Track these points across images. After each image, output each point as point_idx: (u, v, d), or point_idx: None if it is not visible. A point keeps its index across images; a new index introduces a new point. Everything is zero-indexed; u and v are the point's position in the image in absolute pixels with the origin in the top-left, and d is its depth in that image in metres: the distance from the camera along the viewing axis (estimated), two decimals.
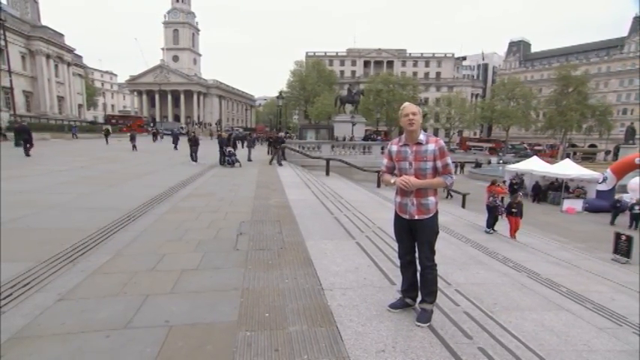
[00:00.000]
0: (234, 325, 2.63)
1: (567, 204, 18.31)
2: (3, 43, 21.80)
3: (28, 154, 14.74)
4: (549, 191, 20.55)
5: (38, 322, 2.59)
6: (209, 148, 19.16)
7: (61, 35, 42.46)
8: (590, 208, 17.98)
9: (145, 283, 3.32)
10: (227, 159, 15.17)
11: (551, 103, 55.52)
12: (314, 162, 18.20)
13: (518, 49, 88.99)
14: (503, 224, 9.66)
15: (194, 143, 16.10)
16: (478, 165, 38.42)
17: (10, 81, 20.65)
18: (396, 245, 5.17)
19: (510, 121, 58.15)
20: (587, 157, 53.24)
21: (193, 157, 15.86)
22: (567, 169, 19.95)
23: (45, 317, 2.66)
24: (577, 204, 18.34)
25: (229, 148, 15.60)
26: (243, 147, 20.23)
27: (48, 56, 39.24)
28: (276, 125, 30.62)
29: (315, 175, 13.90)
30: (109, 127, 32.68)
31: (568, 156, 36.24)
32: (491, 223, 8.97)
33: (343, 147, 21.68)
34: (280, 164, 16.80)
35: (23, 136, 15.26)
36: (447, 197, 19.03)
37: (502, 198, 9.74)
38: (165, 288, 3.23)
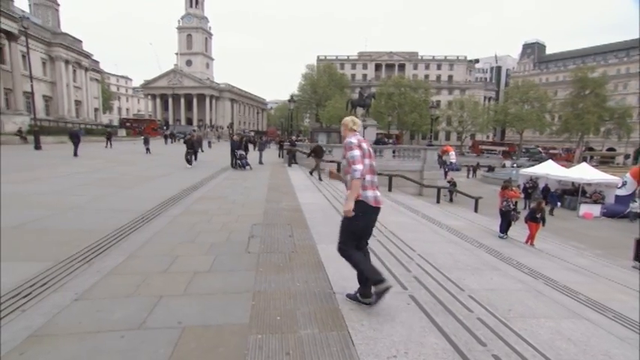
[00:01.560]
0: (246, 328, 2.64)
1: (584, 209, 17.85)
2: (25, 49, 22.56)
3: (76, 154, 16.86)
4: (565, 195, 20.09)
5: (56, 321, 2.65)
6: (217, 152, 19.35)
7: (80, 41, 43.60)
8: (609, 214, 17.48)
9: (158, 285, 3.36)
10: (238, 162, 15.30)
11: (567, 106, 54.42)
12: (325, 165, 18.19)
13: (533, 51, 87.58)
14: (517, 229, 9.47)
15: (190, 146, 15.26)
16: (491, 169, 37.85)
17: (31, 86, 21.35)
18: (407, 249, 5.10)
19: (524, 125, 57.18)
20: (605, 161, 51.89)
21: (188, 159, 15.00)
22: (584, 173, 19.47)
23: (62, 316, 2.72)
24: (595, 209, 17.86)
25: (240, 151, 15.70)
26: (255, 149, 20.35)
27: (67, 62, 40.35)
28: (288, 129, 30.71)
29: (327, 178, 13.88)
30: (111, 130, 33.03)
31: (585, 160, 35.41)
32: (504, 228, 8.80)
33: None
34: (290, 165, 17.06)
35: (73, 139, 17.61)
36: (450, 200, 18.81)
37: (516, 202, 9.53)
38: (178, 289, 3.27)
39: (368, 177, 2.93)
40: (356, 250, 3.03)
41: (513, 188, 9.59)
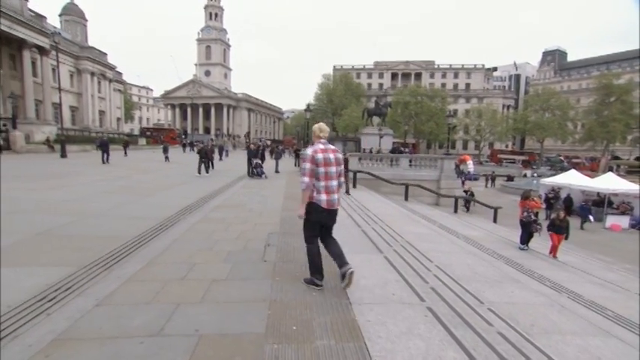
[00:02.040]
0: (262, 337, 2.64)
1: (611, 220, 17.12)
2: (56, 63, 23.74)
3: (107, 162, 18.28)
4: (591, 206, 19.32)
5: (78, 326, 2.72)
6: (233, 160, 19.61)
7: (105, 54, 45.48)
8: (638, 225, 16.72)
9: (176, 292, 3.41)
10: (254, 170, 15.47)
11: (590, 114, 52.77)
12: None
13: (553, 58, 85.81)
14: (539, 241, 9.17)
15: (203, 156, 15.32)
16: (510, 178, 36.93)
17: (60, 97, 22.35)
18: (424, 259, 5.03)
19: (545, 133, 55.72)
20: (633, 171, 49.85)
21: (200, 169, 15.04)
22: (610, 183, 18.74)
23: (84, 321, 2.79)
24: (623, 220, 17.12)
25: (257, 160, 15.88)
26: (272, 158, 20.54)
27: (93, 74, 42.09)
28: (304, 138, 30.92)
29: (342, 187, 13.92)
30: (128, 139, 33.85)
31: (611, 169, 34.11)
32: (525, 239, 8.53)
33: (370, 159, 21.54)
34: None
35: (103, 148, 18.82)
36: (468, 210, 18.40)
37: (537, 213, 9.22)
38: (196, 297, 3.30)
39: (322, 183, 3.33)
40: (317, 240, 3.56)
41: (534, 198, 9.31)
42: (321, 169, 3.31)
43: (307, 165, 3.29)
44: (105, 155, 18.47)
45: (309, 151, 3.38)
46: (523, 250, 8.26)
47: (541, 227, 8.62)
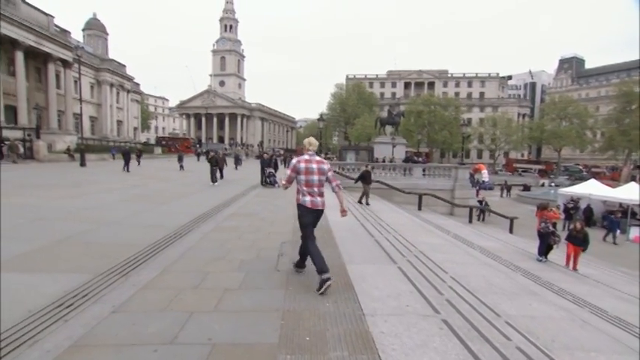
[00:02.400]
0: (275, 348, 2.62)
1: (635, 232, 16.50)
2: (78, 75, 24.66)
3: (128, 170, 19.13)
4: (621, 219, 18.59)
5: (94, 332, 2.76)
6: (246, 169, 19.78)
7: (124, 66, 46.93)
8: None
9: (190, 300, 3.43)
10: (267, 179, 15.57)
11: (611, 122, 51.37)
12: (354, 183, 18.14)
13: (570, 65, 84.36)
14: (558, 253, 8.90)
15: (214, 164, 15.60)
16: (527, 188, 36.12)
17: (81, 108, 23.13)
18: (439, 270, 4.97)
19: (563, 142, 54.50)
20: None
21: (213, 177, 15.31)
22: (633, 193, 18.11)
23: (101, 328, 2.83)
24: None
25: (270, 169, 15.98)
26: (284, 167, 20.67)
27: (112, 85, 43.43)
28: (318, 147, 31.01)
29: (355, 196, 13.82)
30: (140, 148, 34.03)
31: (634, 179, 33.01)
32: (543, 250, 8.29)
33: (383, 169, 21.44)
34: None
35: (125, 157, 20.10)
36: (482, 220, 18.03)
37: (555, 224, 8.95)
38: (209, 306, 3.32)
39: (305, 188, 3.90)
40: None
41: (553, 209, 9.07)
42: (302, 177, 3.89)
43: (288, 171, 3.97)
44: (127, 164, 19.64)
45: (294, 160, 4.03)
46: (541, 261, 8.03)
47: (559, 239, 8.37)
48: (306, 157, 3.98)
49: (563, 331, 3.36)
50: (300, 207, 3.95)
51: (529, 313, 3.79)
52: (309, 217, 3.93)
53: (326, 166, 4.02)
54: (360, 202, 13.13)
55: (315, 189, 3.90)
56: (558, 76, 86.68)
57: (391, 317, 3.27)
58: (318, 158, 4.02)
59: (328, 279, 3.68)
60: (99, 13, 47.26)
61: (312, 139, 4.14)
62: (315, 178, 3.90)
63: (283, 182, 4.04)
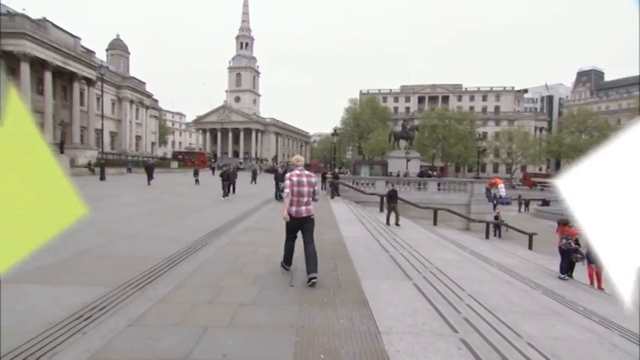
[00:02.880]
0: None
1: None
2: (100, 92, 25.71)
3: (149, 183, 20.24)
4: None
5: (111, 346, 2.79)
6: (260, 184, 19.91)
7: (144, 83, 48.69)
8: None
9: (204, 315, 3.44)
10: (281, 194, 15.61)
11: None
12: (368, 198, 18.05)
13: (589, 78, 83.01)
14: (582, 270, 8.57)
15: (225, 178, 15.52)
16: (546, 202, 35.15)
17: (102, 124, 24.04)
18: (455, 287, 4.88)
19: (583, 155, 53.05)
20: None
21: (225, 192, 15.28)
22: None
23: (117, 341, 2.86)
24: None
25: (284, 184, 16.01)
26: None
27: (132, 102, 45.02)
28: (331, 161, 31.20)
29: (369, 211, 13.71)
30: (154, 162, 34.03)
31: None
32: (566, 268, 7.99)
33: (397, 183, 21.29)
34: (332, 197, 17.12)
35: (148, 171, 21.37)
36: (499, 236, 17.55)
37: (577, 240, 8.63)
38: (223, 321, 3.31)
39: (295, 198, 4.49)
40: (292, 240, 4.89)
41: (574, 225, 8.77)
42: (295, 189, 4.48)
43: (287, 182, 4.53)
44: (150, 177, 20.81)
45: (287, 174, 4.65)
46: (564, 279, 7.74)
47: (583, 256, 8.05)
48: (297, 171, 4.60)
49: (589, 354, 3.21)
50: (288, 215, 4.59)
51: (552, 334, 3.63)
52: (293, 224, 4.59)
53: (313, 179, 4.67)
54: (387, 223, 11.96)
55: (304, 199, 4.52)
56: (576, 88, 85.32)
57: (407, 335, 3.19)
58: (307, 172, 4.68)
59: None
60: (122, 34, 49.44)
61: (300, 157, 4.98)
62: (305, 189, 4.50)
63: (287, 191, 4.54)
